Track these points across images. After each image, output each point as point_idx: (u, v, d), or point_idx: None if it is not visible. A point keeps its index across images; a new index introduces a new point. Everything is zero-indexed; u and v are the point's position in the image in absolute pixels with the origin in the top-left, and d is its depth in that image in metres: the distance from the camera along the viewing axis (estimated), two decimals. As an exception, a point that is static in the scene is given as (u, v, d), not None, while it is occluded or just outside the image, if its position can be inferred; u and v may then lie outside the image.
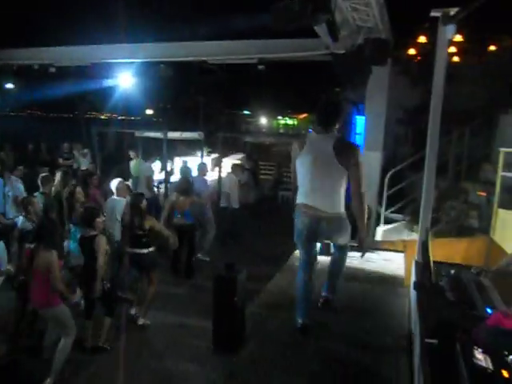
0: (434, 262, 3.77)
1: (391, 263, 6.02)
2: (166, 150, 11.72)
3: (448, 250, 6.19)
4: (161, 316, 5.70)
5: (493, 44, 10.38)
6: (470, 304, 3.28)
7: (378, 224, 7.85)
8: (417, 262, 4.74)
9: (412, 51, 11.00)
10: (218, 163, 12.76)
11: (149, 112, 28.86)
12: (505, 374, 2.26)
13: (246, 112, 36.42)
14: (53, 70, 9.33)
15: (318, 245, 4.88)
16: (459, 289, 3.58)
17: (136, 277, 6.10)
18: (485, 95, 9.10)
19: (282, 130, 39.86)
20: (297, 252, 6.03)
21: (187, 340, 4.97)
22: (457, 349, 2.54)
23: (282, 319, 4.31)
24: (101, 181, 8.41)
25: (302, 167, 3.97)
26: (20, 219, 5.61)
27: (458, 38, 9.64)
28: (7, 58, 9.45)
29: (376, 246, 6.73)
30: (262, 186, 14.83)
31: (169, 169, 12.11)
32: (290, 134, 30.07)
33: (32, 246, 4.43)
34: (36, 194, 6.71)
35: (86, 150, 12.07)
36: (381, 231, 7.77)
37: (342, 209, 3.98)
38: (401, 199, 8.23)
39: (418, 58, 10.96)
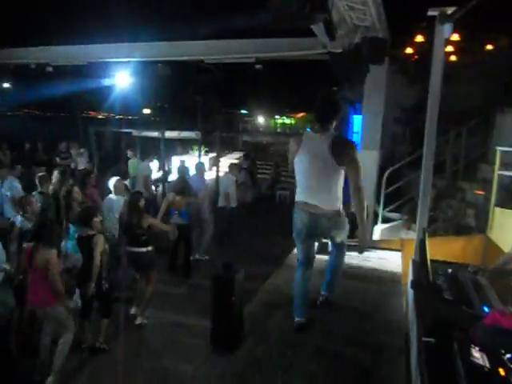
0: (431, 260, 3.77)
1: (388, 262, 6.03)
2: (164, 150, 11.74)
3: (445, 249, 6.21)
4: (159, 315, 5.71)
5: (489, 43, 10.42)
6: (467, 303, 3.28)
7: (375, 223, 7.87)
8: (414, 261, 4.75)
9: (409, 50, 11.04)
10: (215, 163, 12.77)
11: (146, 111, 28.85)
12: (501, 372, 2.27)
13: (243, 111, 36.42)
14: (50, 69, 9.32)
15: (316, 244, 4.88)
16: (456, 287, 3.58)
17: (134, 276, 6.10)
18: (481, 94, 9.14)
19: (279, 130, 39.89)
20: (295, 251, 6.04)
21: (185, 339, 4.98)
22: (454, 347, 2.55)
23: (280, 318, 4.31)
24: (98, 180, 8.40)
25: (299, 166, 3.97)
26: (18, 218, 5.61)
27: (455, 37, 9.66)
28: (4, 57, 9.43)
29: (373, 245, 6.74)
30: (259, 186, 14.85)
31: (166, 168, 12.12)
32: (288, 134, 30.05)
33: (31, 244, 4.42)
34: (34, 193, 6.70)
35: (82, 150, 12.06)
36: (378, 230, 7.80)
37: (341, 206, 3.99)
38: (398, 198, 8.26)
39: (415, 56, 10.99)
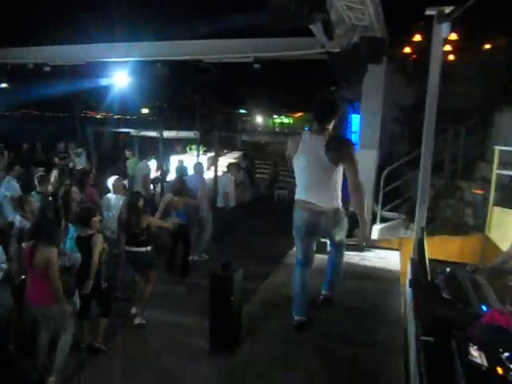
0: (429, 259, 3.77)
1: (387, 261, 6.04)
2: (162, 149, 11.73)
3: (444, 248, 6.22)
4: (158, 315, 5.70)
5: (487, 43, 10.42)
6: (466, 302, 3.29)
7: (374, 222, 7.87)
8: (412, 260, 4.76)
9: (407, 49, 11.03)
10: (214, 162, 12.76)
11: (144, 111, 28.83)
12: (499, 370, 2.27)
13: (241, 111, 36.41)
14: (47, 69, 9.31)
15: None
16: (455, 287, 3.59)
17: (134, 276, 6.10)
18: (480, 94, 9.15)
19: (277, 129, 39.86)
20: (293, 250, 6.04)
21: (184, 339, 4.97)
22: (452, 346, 2.55)
23: (279, 318, 4.32)
24: (97, 180, 8.40)
25: (297, 167, 4.00)
26: (18, 218, 5.60)
27: (453, 36, 9.68)
28: (1, 57, 9.42)
29: (372, 244, 6.75)
30: (257, 185, 14.85)
31: (164, 168, 12.11)
32: (286, 133, 30.04)
33: (30, 243, 4.41)
34: (33, 193, 6.71)
35: (80, 150, 12.04)
36: (377, 229, 7.80)
37: (340, 204, 4.00)
38: (397, 197, 8.26)
39: (414, 56, 11.00)
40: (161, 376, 4.36)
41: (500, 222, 6.69)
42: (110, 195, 6.79)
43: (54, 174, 7.87)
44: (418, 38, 10.78)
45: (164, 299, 6.14)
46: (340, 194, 3.97)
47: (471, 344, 2.48)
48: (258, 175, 15.68)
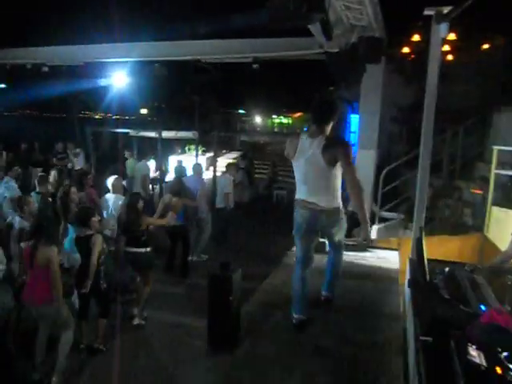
0: (428, 259, 3.78)
1: (386, 261, 6.04)
2: (161, 150, 11.73)
3: (442, 248, 6.23)
4: (157, 315, 5.70)
5: (486, 43, 10.44)
6: (464, 301, 3.29)
7: (373, 222, 7.87)
8: (411, 260, 4.76)
9: (406, 49, 11.04)
10: (212, 162, 12.76)
11: (143, 111, 28.82)
12: (498, 370, 2.28)
13: (240, 111, 36.42)
14: (46, 69, 9.30)
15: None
16: (453, 286, 3.59)
17: (133, 276, 6.10)
18: (478, 94, 9.16)
19: (276, 129, 39.88)
20: (292, 250, 6.04)
21: (183, 340, 4.98)
22: (451, 346, 2.56)
23: (278, 318, 4.32)
24: (96, 180, 8.39)
25: (296, 171, 4.03)
26: (16, 219, 5.58)
27: (452, 36, 9.68)
28: (0, 57, 9.40)
29: (371, 244, 6.75)
30: (256, 185, 14.84)
31: (163, 168, 12.11)
32: (285, 133, 30.05)
33: (30, 243, 4.40)
34: (32, 193, 6.71)
35: (78, 150, 12.03)
36: (375, 229, 7.80)
37: (340, 203, 4.01)
38: (395, 197, 8.27)
39: (412, 56, 11.01)
40: (160, 376, 4.37)
41: (498, 222, 6.70)
42: (109, 195, 6.79)
43: (53, 174, 7.87)
44: (416, 38, 10.80)
45: (163, 299, 6.14)
46: (340, 193, 3.98)
47: (470, 344, 2.49)
48: (256, 175, 15.68)
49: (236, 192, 9.54)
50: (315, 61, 7.38)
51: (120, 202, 6.37)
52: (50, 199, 6.79)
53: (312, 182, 3.92)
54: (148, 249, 5.58)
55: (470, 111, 8.82)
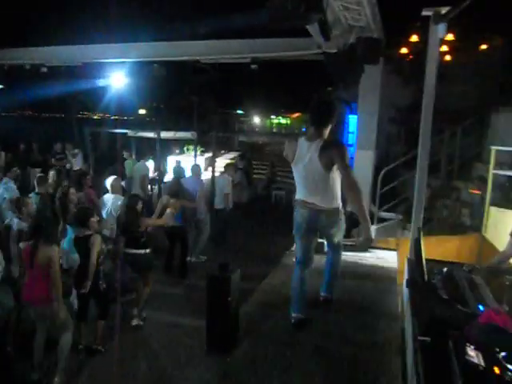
0: (426, 259, 3.78)
1: (384, 261, 6.05)
2: (159, 150, 11.72)
3: (440, 248, 6.24)
4: (155, 316, 5.70)
5: (484, 43, 10.46)
6: (463, 301, 3.30)
7: (371, 223, 7.87)
8: (409, 260, 4.76)
9: (404, 50, 11.06)
10: (211, 163, 12.76)
11: (142, 112, 28.80)
12: (496, 370, 2.28)
13: (239, 111, 36.41)
14: (44, 69, 9.29)
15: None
16: (452, 286, 3.59)
17: (133, 277, 6.09)
18: (476, 94, 9.18)
19: (275, 130, 39.90)
20: (291, 250, 6.06)
21: (182, 340, 4.97)
22: (449, 346, 2.56)
23: (276, 318, 4.32)
24: (94, 180, 8.38)
25: (296, 173, 4.06)
26: (15, 221, 5.57)
27: (450, 37, 9.70)
28: (-2, 57, 9.39)
29: (373, 244, 6.77)
30: (255, 186, 14.85)
31: (161, 168, 12.10)
32: (283, 134, 30.08)
33: (30, 243, 4.38)
34: (31, 194, 6.71)
35: (76, 150, 12.02)
36: (374, 230, 7.81)
37: (340, 204, 4.02)
38: (394, 198, 8.28)
39: (410, 56, 11.02)
40: (158, 377, 4.36)
41: (496, 222, 6.72)
42: (108, 195, 6.78)
43: (52, 175, 7.86)
44: (414, 38, 10.81)
45: (162, 300, 6.13)
46: (339, 194, 4.00)
47: (468, 344, 2.49)
48: (255, 176, 15.68)
49: (235, 192, 9.54)
50: (313, 61, 7.38)
51: (119, 203, 6.37)
52: (49, 200, 6.79)
53: (311, 185, 3.95)
54: (147, 250, 5.59)
55: (468, 111, 8.83)
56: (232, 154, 17.17)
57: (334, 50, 6.04)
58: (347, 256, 5.61)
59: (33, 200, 6.28)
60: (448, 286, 3.58)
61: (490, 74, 9.20)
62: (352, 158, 8.28)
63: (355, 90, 7.79)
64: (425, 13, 5.11)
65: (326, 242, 4.63)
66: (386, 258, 6.16)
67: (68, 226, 5.57)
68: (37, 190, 6.85)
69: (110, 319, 5.13)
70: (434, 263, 4.15)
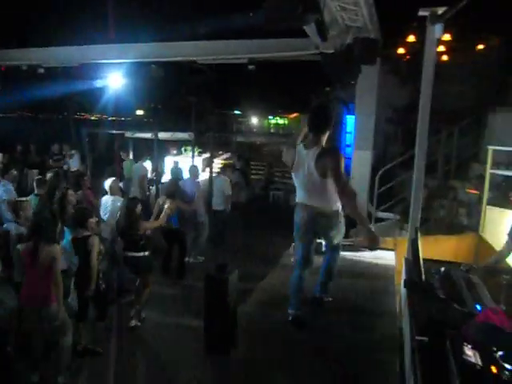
0: (423, 259, 3.79)
1: (382, 261, 6.05)
2: (157, 151, 11.70)
3: (438, 248, 6.25)
4: (153, 317, 5.71)
5: (480, 43, 10.47)
6: (460, 301, 3.30)
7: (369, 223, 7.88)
8: (407, 260, 4.77)
9: (401, 50, 11.06)
10: (209, 163, 12.74)
11: (139, 113, 28.74)
12: (493, 369, 2.28)
13: (236, 112, 36.36)
14: (41, 70, 9.27)
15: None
16: (449, 286, 3.60)
17: (132, 279, 6.09)
18: (473, 94, 9.19)
19: (272, 130, 39.85)
20: (289, 250, 6.06)
21: (180, 341, 4.98)
22: (447, 345, 2.56)
23: (275, 318, 4.32)
24: (92, 182, 8.37)
25: (296, 179, 4.13)
26: (12, 226, 5.54)
27: (447, 37, 9.71)
28: (-5, 58, 9.37)
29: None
30: (253, 186, 14.84)
31: (159, 169, 12.08)
32: (281, 134, 30.06)
33: (30, 243, 4.36)
34: (31, 196, 6.71)
35: (73, 151, 12.00)
36: (372, 229, 7.81)
37: (339, 207, 4.06)
38: (391, 198, 8.29)
39: (407, 57, 11.02)
40: (156, 378, 4.36)
41: (494, 222, 6.73)
42: (107, 197, 6.78)
43: (49, 176, 7.85)
44: (411, 38, 10.81)
45: (160, 301, 6.13)
46: (338, 198, 4.03)
47: (465, 343, 2.49)
48: (253, 176, 15.67)
49: (232, 193, 9.53)
50: (311, 61, 7.38)
51: (119, 204, 6.36)
52: (48, 201, 6.77)
53: (311, 190, 4.02)
54: (146, 253, 5.61)
55: (465, 112, 8.85)
56: (226, 155, 17.15)
57: (331, 51, 6.05)
58: (345, 256, 5.61)
59: (32, 202, 6.28)
60: (445, 286, 3.59)
61: (487, 73, 9.22)
62: (349, 158, 8.31)
63: (353, 90, 7.82)
64: (421, 13, 5.12)
65: (323, 242, 4.66)
66: (384, 258, 6.16)
67: (65, 228, 5.56)
68: (36, 192, 6.85)
69: (109, 320, 5.13)
70: (432, 263, 4.16)
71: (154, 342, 5.18)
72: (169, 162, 12.97)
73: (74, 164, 11.69)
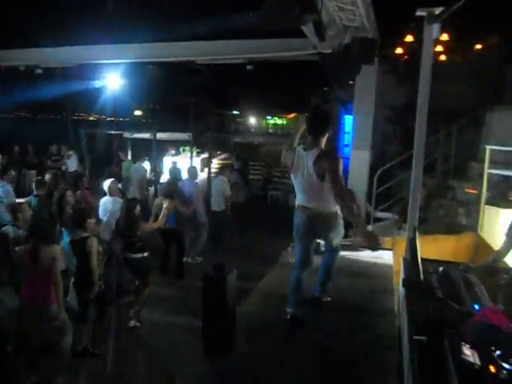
0: (422, 259, 3.79)
1: (380, 261, 6.06)
2: (156, 151, 11.71)
3: (436, 248, 6.25)
4: (152, 317, 5.70)
5: (478, 43, 10.48)
6: (458, 300, 3.31)
7: (367, 222, 7.89)
8: (405, 260, 4.77)
9: (399, 50, 11.07)
10: (207, 164, 12.73)
11: (137, 113, 28.70)
12: (492, 368, 2.29)
13: (235, 112, 36.34)
14: (39, 71, 9.26)
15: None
16: (447, 286, 3.60)
17: (131, 280, 6.09)
18: (471, 94, 9.20)
19: (271, 130, 39.83)
20: (287, 250, 6.06)
21: (178, 341, 4.97)
22: (445, 345, 2.57)
23: (274, 318, 4.33)
24: (90, 182, 8.36)
25: (295, 181, 4.15)
26: (10, 229, 5.52)
27: (445, 37, 9.72)
28: (-7, 59, 9.36)
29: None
30: (251, 186, 14.85)
31: (157, 169, 12.09)
32: (279, 134, 30.05)
33: (30, 244, 4.36)
34: (30, 196, 6.70)
35: (70, 152, 11.98)
36: (370, 229, 7.82)
37: (338, 209, 4.06)
38: (389, 198, 8.30)
39: (405, 56, 11.03)
40: (155, 378, 4.36)
41: (492, 221, 6.74)
42: (106, 198, 6.76)
43: (48, 177, 7.85)
44: (409, 38, 10.82)
45: (158, 301, 6.12)
46: None
47: (464, 342, 2.50)
48: (251, 176, 15.67)
49: (231, 193, 9.52)
50: (309, 61, 7.40)
51: (119, 205, 6.35)
52: (47, 202, 6.77)
53: (309, 192, 4.04)
54: (145, 254, 5.60)
55: (462, 111, 8.85)
56: (223, 155, 17.13)
57: (329, 51, 6.06)
58: (344, 255, 5.62)
59: (32, 202, 6.28)
60: (444, 286, 3.59)
61: (485, 73, 9.23)
62: (348, 158, 8.32)
63: (351, 90, 7.82)
64: (419, 13, 5.13)
65: (323, 242, 4.68)
66: (383, 258, 6.17)
67: (63, 229, 5.55)
68: (35, 193, 6.85)
69: (107, 320, 5.13)
70: (430, 262, 4.16)
71: (152, 342, 5.18)
72: (167, 162, 12.95)
73: (71, 165, 11.67)
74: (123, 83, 12.87)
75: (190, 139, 12.78)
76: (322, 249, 4.80)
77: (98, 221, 6.17)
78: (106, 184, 6.82)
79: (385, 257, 6.19)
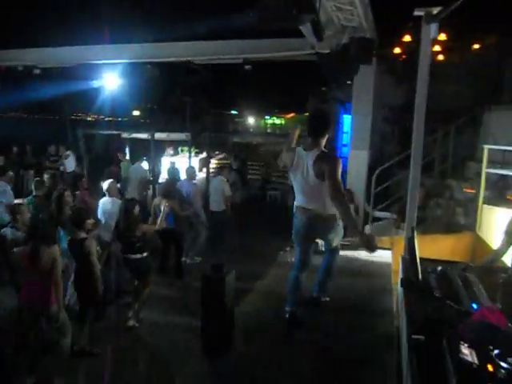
0: (420, 258, 3.80)
1: (379, 261, 6.06)
2: (154, 151, 11.68)
3: (435, 247, 6.26)
4: (151, 317, 5.70)
5: (476, 43, 10.50)
6: (456, 300, 3.31)
7: (365, 222, 7.91)
8: (403, 259, 4.78)
9: (397, 50, 11.08)
10: (205, 164, 12.72)
11: (135, 113, 28.69)
12: (490, 368, 2.29)
13: (233, 112, 36.35)
14: (37, 71, 9.24)
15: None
16: (446, 285, 3.61)
17: (131, 280, 6.08)
18: (469, 93, 9.21)
19: (269, 130, 39.84)
20: (286, 250, 6.07)
21: (177, 341, 4.97)
22: (443, 344, 2.57)
23: (272, 318, 4.33)
24: (89, 182, 8.35)
25: (294, 181, 4.16)
26: (8, 231, 5.51)
27: (442, 36, 9.73)
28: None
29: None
30: (249, 186, 14.83)
31: (156, 170, 12.06)
32: (278, 134, 30.08)
33: (29, 245, 4.35)
34: (29, 197, 6.69)
35: (68, 152, 11.95)
36: (368, 229, 7.83)
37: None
38: (388, 197, 8.31)
39: (403, 56, 11.04)
40: (154, 378, 4.36)
41: (490, 220, 6.75)
42: (106, 199, 6.75)
43: (46, 177, 7.84)
44: (407, 38, 10.83)
45: (157, 301, 6.12)
46: None
47: (462, 342, 2.50)
48: (250, 176, 15.66)
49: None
50: (307, 61, 7.40)
51: (118, 206, 6.34)
52: (45, 202, 6.76)
53: (308, 192, 4.04)
54: (144, 254, 5.60)
55: (460, 111, 8.87)
56: (221, 155, 17.12)
57: (327, 51, 6.07)
58: (342, 255, 5.63)
59: (30, 203, 6.26)
60: (442, 285, 3.59)
61: (483, 73, 9.24)
62: (346, 158, 8.33)
63: (349, 90, 7.83)
64: (416, 13, 5.14)
65: (322, 243, 4.69)
66: (381, 257, 6.17)
67: (61, 230, 5.55)
68: (34, 193, 6.84)
69: (106, 320, 5.12)
70: (428, 262, 4.17)
71: (151, 342, 5.18)
72: (165, 162, 12.93)
73: (69, 165, 11.65)
74: (121, 83, 12.86)
75: (188, 139, 12.76)
76: (322, 249, 4.80)
77: (97, 221, 6.17)
78: (105, 185, 6.81)
79: (383, 256, 6.19)
